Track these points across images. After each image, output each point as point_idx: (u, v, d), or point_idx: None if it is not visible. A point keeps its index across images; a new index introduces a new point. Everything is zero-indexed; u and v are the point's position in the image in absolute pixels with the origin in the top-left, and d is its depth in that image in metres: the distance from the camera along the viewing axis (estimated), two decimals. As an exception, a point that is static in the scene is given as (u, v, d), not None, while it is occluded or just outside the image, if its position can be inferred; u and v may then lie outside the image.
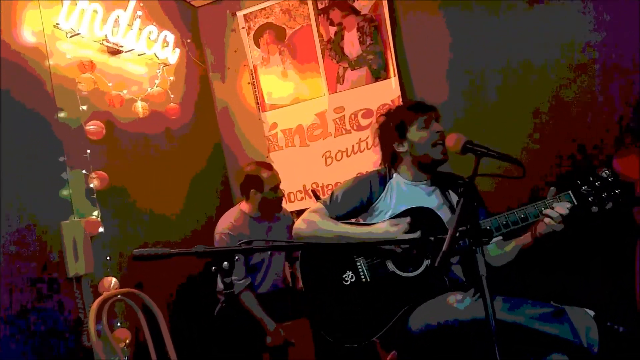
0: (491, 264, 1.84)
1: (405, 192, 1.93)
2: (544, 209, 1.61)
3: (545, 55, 2.80)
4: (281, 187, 2.67)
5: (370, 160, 3.12)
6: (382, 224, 1.82)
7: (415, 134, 1.90)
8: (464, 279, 1.87)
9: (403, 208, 1.86)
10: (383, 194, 1.94)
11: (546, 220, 1.60)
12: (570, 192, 1.62)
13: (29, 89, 2.22)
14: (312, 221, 1.93)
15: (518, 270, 1.81)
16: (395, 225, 1.79)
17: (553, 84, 2.80)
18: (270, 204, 2.67)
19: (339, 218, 1.95)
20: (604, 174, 1.58)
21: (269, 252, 2.67)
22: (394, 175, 1.98)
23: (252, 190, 2.65)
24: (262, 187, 2.62)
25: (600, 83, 2.72)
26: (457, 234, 1.28)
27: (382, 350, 1.92)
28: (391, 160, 2.00)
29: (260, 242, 2.56)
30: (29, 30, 2.26)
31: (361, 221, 2.02)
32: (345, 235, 1.86)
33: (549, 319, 1.52)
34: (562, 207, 1.59)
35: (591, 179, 1.59)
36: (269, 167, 2.71)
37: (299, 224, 1.97)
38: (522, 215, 1.64)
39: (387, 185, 1.95)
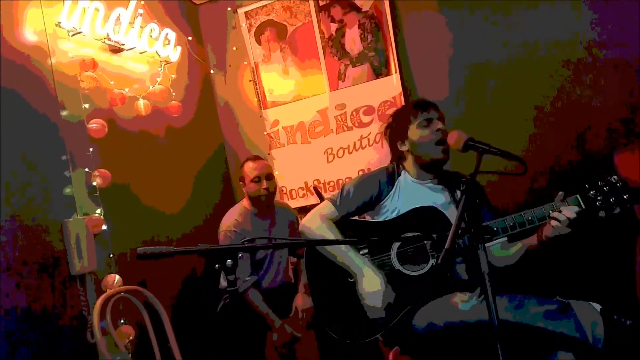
0: (495, 264, 1.84)
1: (412, 191, 1.93)
2: (552, 211, 1.61)
3: (546, 52, 2.79)
4: (284, 184, 2.67)
5: (372, 157, 3.12)
6: (374, 276, 1.76)
7: (415, 132, 1.89)
8: (467, 278, 1.87)
9: (409, 207, 1.86)
10: (391, 192, 1.93)
11: (553, 223, 1.60)
12: (578, 196, 1.61)
13: (31, 87, 2.21)
14: (310, 227, 1.92)
15: (523, 266, 1.81)
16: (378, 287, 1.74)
17: (554, 80, 2.80)
18: (256, 196, 2.67)
19: (348, 215, 1.94)
20: (612, 179, 1.57)
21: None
22: (402, 173, 1.97)
23: (241, 184, 2.74)
24: (245, 179, 2.69)
25: (601, 79, 2.70)
26: (459, 231, 1.29)
27: (385, 347, 1.93)
28: (398, 158, 2.00)
29: (263, 239, 2.58)
30: (30, 29, 2.25)
31: (367, 218, 2.02)
32: (338, 256, 1.84)
33: (555, 316, 1.52)
34: (569, 211, 1.58)
35: (599, 183, 1.58)
36: (254, 159, 2.74)
37: (306, 223, 1.96)
38: (530, 218, 1.63)
39: (396, 183, 1.94)
